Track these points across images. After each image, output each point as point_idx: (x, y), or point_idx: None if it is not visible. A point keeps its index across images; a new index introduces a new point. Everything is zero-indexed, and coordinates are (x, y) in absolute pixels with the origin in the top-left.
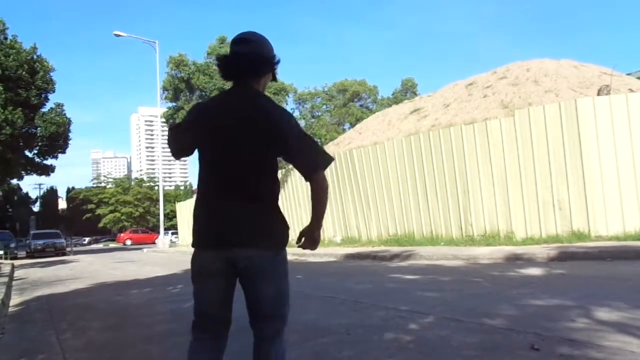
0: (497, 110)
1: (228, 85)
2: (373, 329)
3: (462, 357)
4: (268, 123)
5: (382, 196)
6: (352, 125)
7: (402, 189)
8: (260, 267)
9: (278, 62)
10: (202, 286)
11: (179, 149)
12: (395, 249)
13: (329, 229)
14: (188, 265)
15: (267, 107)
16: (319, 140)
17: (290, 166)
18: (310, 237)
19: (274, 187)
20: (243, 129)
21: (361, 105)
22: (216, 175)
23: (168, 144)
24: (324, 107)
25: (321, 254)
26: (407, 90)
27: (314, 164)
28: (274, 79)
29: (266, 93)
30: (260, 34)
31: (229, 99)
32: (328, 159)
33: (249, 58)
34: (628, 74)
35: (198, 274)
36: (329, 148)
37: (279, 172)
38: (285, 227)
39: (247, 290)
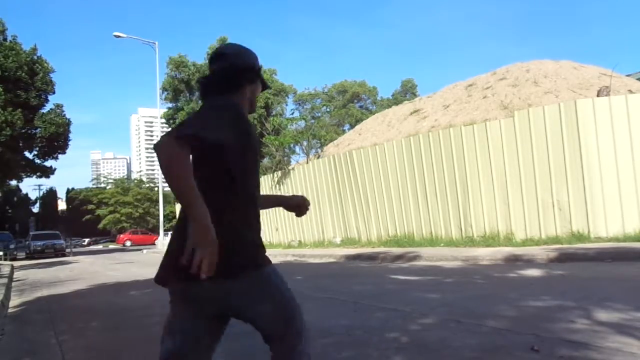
0: (497, 111)
1: None
2: (373, 329)
3: (461, 358)
4: None
5: (381, 197)
6: (352, 126)
7: (401, 190)
8: None
9: (258, 70)
10: None
11: None
12: (395, 250)
13: (328, 230)
14: None
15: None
16: (318, 142)
17: (290, 166)
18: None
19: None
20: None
21: (361, 106)
22: None
23: None
24: (324, 108)
25: (321, 255)
26: (407, 91)
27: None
28: (265, 86)
29: (267, 95)
30: (238, 45)
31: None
32: (178, 128)
33: (218, 76)
34: (628, 75)
35: None
36: (329, 149)
37: (279, 172)
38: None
39: None
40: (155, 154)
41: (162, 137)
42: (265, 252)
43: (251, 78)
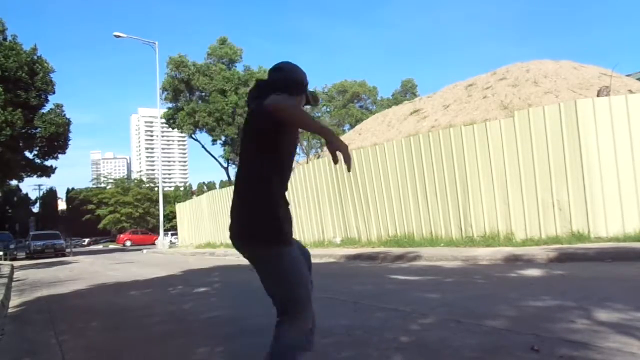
0: (497, 111)
1: (227, 85)
2: (373, 329)
3: (462, 358)
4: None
5: (381, 197)
6: (352, 126)
7: (401, 190)
8: None
9: (305, 85)
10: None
11: None
12: (395, 250)
13: (328, 230)
14: (188, 267)
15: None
16: (318, 142)
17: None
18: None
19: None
20: (244, 129)
21: (361, 106)
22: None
23: None
24: (324, 108)
25: (321, 255)
26: (407, 91)
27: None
28: (308, 102)
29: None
30: (292, 64)
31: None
32: (282, 99)
33: (274, 84)
34: (628, 75)
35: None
36: None
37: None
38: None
39: None
40: (276, 113)
41: (275, 101)
42: (290, 232)
43: (299, 90)
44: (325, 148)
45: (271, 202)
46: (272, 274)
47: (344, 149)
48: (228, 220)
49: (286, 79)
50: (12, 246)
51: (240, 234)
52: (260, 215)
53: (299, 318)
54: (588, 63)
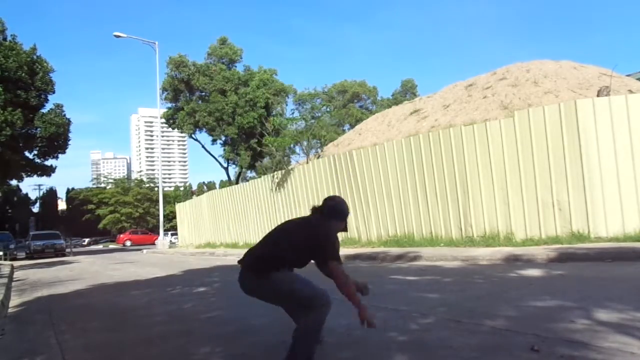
0: (497, 111)
1: (227, 85)
2: (373, 329)
3: (462, 358)
4: (314, 238)
5: (381, 197)
6: (352, 126)
7: (401, 190)
8: None
9: (346, 215)
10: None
11: None
12: (395, 250)
13: None
14: (187, 267)
15: (319, 230)
16: (318, 142)
17: (290, 167)
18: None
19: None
20: (295, 232)
21: (361, 106)
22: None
23: None
24: (324, 108)
25: None
26: (407, 91)
27: (330, 256)
28: (345, 229)
29: (267, 95)
30: (340, 198)
31: (304, 218)
32: (336, 255)
33: (328, 210)
34: (628, 75)
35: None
36: (329, 149)
37: (279, 172)
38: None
39: None
40: (336, 275)
41: (335, 265)
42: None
43: (341, 218)
44: (325, 148)
45: (281, 266)
46: (277, 291)
47: (366, 314)
48: (228, 221)
49: (335, 208)
50: (12, 246)
51: (247, 268)
52: (267, 267)
53: (319, 308)
54: (588, 63)
